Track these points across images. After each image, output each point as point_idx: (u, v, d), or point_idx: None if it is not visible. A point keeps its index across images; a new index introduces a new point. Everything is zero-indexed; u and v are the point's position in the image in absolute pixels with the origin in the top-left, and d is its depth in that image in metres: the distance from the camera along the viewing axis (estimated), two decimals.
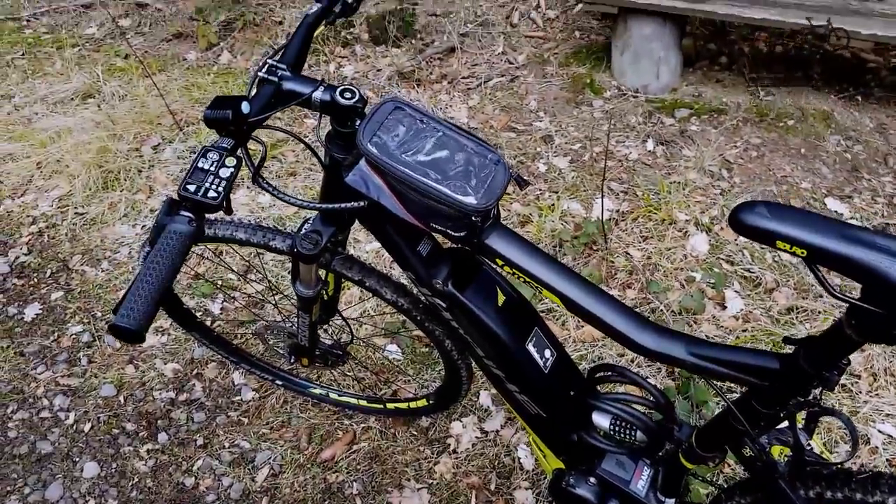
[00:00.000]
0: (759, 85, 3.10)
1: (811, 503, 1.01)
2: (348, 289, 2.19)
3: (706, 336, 2.01)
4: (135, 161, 2.89)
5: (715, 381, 0.97)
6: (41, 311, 2.34)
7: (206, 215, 0.92)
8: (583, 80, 3.23)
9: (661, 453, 1.20)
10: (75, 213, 2.70)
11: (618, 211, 2.50)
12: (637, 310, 2.12)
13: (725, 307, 2.10)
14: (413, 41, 3.59)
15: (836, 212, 2.53)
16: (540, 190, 2.67)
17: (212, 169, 0.89)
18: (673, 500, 1.21)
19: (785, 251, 0.74)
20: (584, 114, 3.08)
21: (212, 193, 0.87)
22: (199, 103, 3.22)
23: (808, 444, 0.98)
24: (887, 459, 1.77)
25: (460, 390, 1.64)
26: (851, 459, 1.48)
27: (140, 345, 2.14)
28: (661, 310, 2.09)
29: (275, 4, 3.86)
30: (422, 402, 1.78)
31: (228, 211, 0.93)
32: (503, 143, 2.89)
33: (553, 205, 2.55)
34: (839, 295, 0.75)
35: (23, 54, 3.71)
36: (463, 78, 3.38)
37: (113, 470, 1.88)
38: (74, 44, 3.75)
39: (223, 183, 0.88)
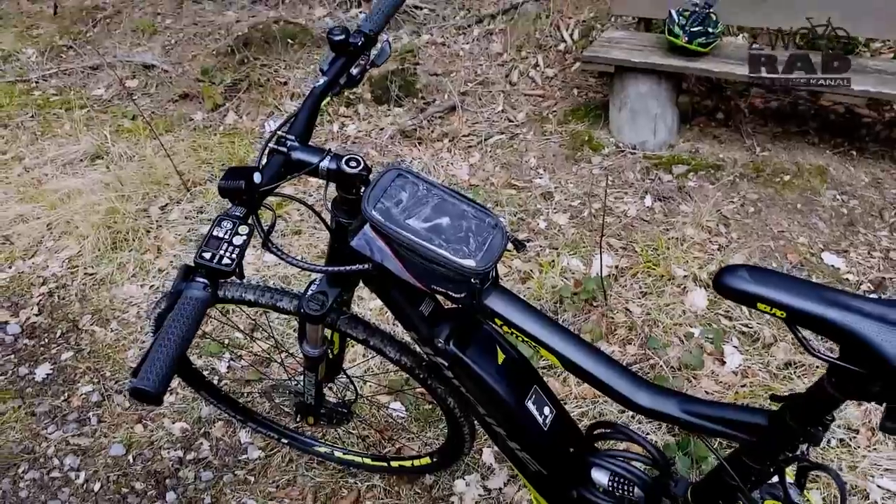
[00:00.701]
0: (756, 141, 3.19)
1: None
2: (352, 347, 2.23)
3: (706, 392, 2.03)
4: (143, 221, 2.97)
5: (707, 438, 1.00)
6: (51, 371, 2.38)
7: (221, 280, 0.97)
8: (581, 137, 3.33)
9: None
10: (85, 274, 2.77)
11: (617, 267, 2.55)
12: (637, 366, 2.18)
13: (724, 362, 2.12)
14: (415, 100, 3.72)
15: (832, 266, 2.57)
16: (540, 247, 2.73)
17: (226, 237, 0.95)
18: None
19: (766, 312, 0.78)
20: (583, 170, 3.16)
21: (226, 260, 0.93)
22: (206, 164, 3.33)
23: (804, 499, 1.01)
24: None
25: (463, 448, 1.66)
26: None
27: (158, 406, 2.17)
28: (661, 366, 2.12)
29: (279, 66, 4.01)
30: (425, 460, 1.79)
31: (241, 276, 0.99)
32: (504, 201, 2.97)
33: (553, 261, 2.60)
34: (818, 355, 0.79)
35: (32, 116, 3.85)
36: (464, 136, 3.48)
37: None
38: (83, 105, 3.88)
39: (237, 250, 0.94)
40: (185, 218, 3.02)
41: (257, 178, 1.01)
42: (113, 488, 1.98)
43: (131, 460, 2.05)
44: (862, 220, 2.77)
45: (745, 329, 2.25)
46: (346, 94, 3.74)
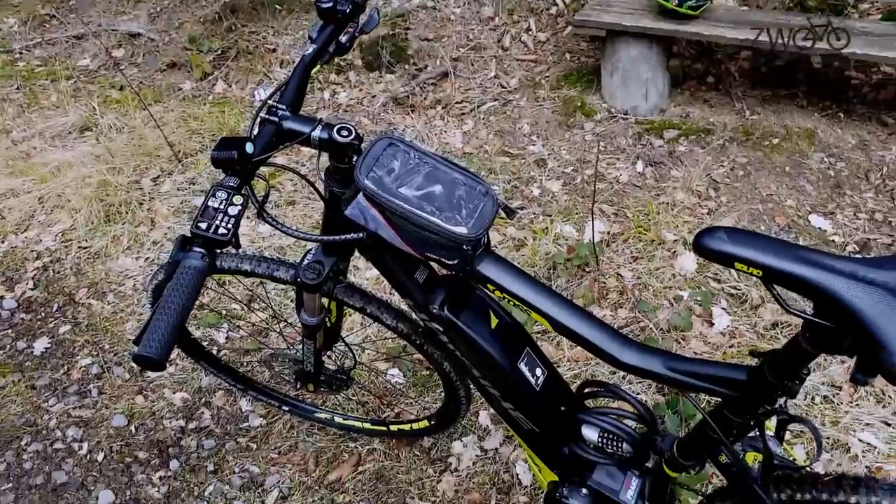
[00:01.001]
0: (746, 104, 3.20)
1: None
2: (350, 315, 2.26)
3: (694, 352, 2.08)
4: (135, 194, 2.97)
5: (691, 394, 1.04)
6: (50, 345, 2.41)
7: (217, 250, 0.99)
8: (574, 103, 3.33)
9: (646, 463, 1.26)
10: (79, 248, 2.78)
11: (609, 233, 2.58)
12: (627, 328, 2.22)
13: (713, 324, 2.17)
14: (406, 66, 3.70)
15: (819, 228, 2.60)
16: (534, 214, 2.75)
17: (221, 207, 0.97)
18: None
19: (743, 272, 0.81)
20: (576, 136, 3.17)
21: (222, 230, 0.95)
22: (197, 134, 3.31)
23: (783, 450, 1.05)
24: (866, 467, 1.83)
25: (459, 411, 1.71)
26: (818, 461, 1.54)
27: (161, 372, 2.20)
28: (651, 328, 2.16)
29: (267, 33, 3.97)
30: (423, 424, 1.84)
31: (237, 245, 1.01)
32: (498, 169, 2.98)
33: (547, 228, 2.63)
34: (794, 311, 0.83)
35: (17, 88, 3.80)
36: (457, 103, 3.47)
37: (128, 497, 1.94)
38: (69, 76, 3.83)
39: (232, 220, 0.96)
40: (178, 189, 3.02)
41: (249, 148, 1.02)
42: (116, 458, 2.03)
43: (133, 430, 2.10)
44: (848, 183, 2.80)
45: (733, 291, 2.29)
46: (336, 60, 3.71)
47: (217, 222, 0.96)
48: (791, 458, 1.07)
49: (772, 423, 1.06)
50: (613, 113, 3.23)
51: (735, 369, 0.98)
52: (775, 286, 0.82)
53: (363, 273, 2.52)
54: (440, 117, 3.38)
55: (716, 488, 1.67)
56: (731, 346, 2.11)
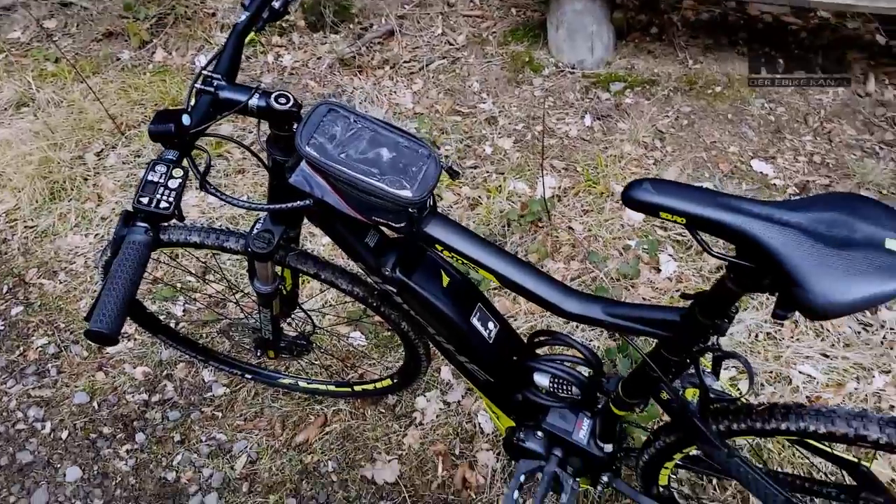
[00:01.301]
0: (689, 54, 3.25)
1: (722, 435, 1.16)
2: (309, 282, 2.28)
3: (643, 298, 2.17)
4: (79, 169, 2.90)
5: (631, 336, 1.10)
6: (3, 327, 2.37)
7: (161, 223, 1.00)
8: (522, 59, 3.33)
9: (596, 404, 1.33)
10: (25, 227, 2.71)
11: (560, 187, 2.63)
12: (579, 279, 2.29)
13: (660, 270, 2.26)
14: (351, 26, 3.63)
15: (761, 172, 2.70)
16: (487, 172, 2.78)
17: (161, 181, 0.98)
18: (611, 446, 1.35)
19: (668, 220, 0.86)
20: (525, 93, 3.19)
21: (163, 204, 0.96)
22: (139, 105, 3.22)
23: (719, 384, 1.13)
24: (807, 397, 1.95)
25: (420, 368, 1.76)
26: (751, 392, 1.64)
27: (114, 346, 2.19)
28: (602, 278, 2.24)
29: None
30: (387, 382, 1.89)
31: (181, 218, 1.02)
32: (449, 128, 2.99)
33: (500, 186, 2.67)
34: (716, 254, 0.88)
35: None
36: (405, 62, 3.44)
37: (95, 472, 1.95)
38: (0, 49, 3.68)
39: (173, 193, 0.97)
40: (123, 163, 2.95)
41: (186, 120, 1.02)
42: (81, 434, 2.03)
43: (96, 407, 2.10)
44: (788, 127, 2.89)
45: (679, 238, 2.38)
46: (278, 23, 3.62)
47: (158, 196, 0.96)
48: (728, 392, 1.14)
49: (709, 360, 1.14)
50: (561, 67, 3.25)
51: (669, 311, 1.05)
52: (699, 232, 0.88)
53: (320, 239, 2.53)
54: (389, 77, 3.35)
55: (661, 424, 1.77)
56: (677, 291, 2.20)
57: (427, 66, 3.38)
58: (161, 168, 0.99)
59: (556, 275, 2.31)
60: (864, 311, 2.19)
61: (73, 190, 2.82)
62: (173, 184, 0.98)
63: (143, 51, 3.63)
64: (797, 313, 0.84)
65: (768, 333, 2.13)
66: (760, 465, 1.71)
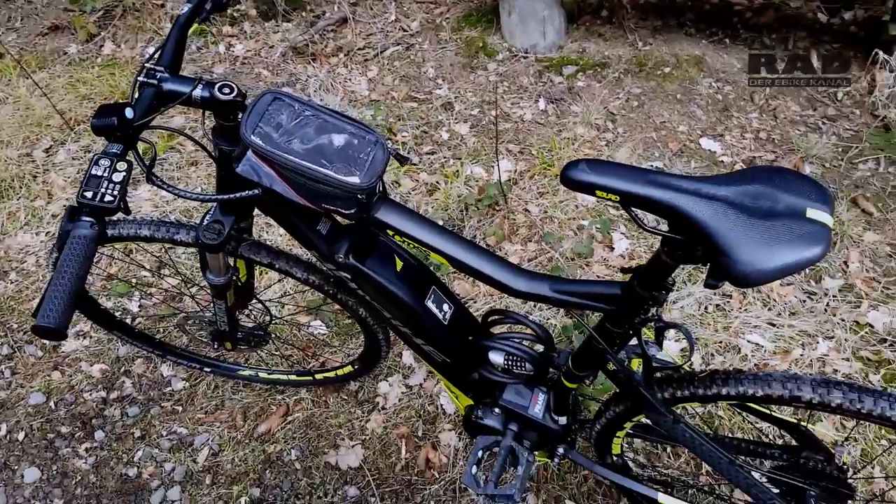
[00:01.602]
0: (638, 36, 3.31)
1: (668, 402, 1.21)
2: (267, 272, 2.27)
3: (597, 276, 2.22)
4: (28, 167, 2.83)
5: (577, 311, 1.14)
6: None
7: (108, 217, 1.00)
8: (476, 44, 3.35)
9: (549, 379, 1.38)
10: None
11: (516, 171, 2.67)
12: (536, 260, 2.34)
13: (613, 248, 2.31)
14: (303, 14, 3.60)
15: (709, 150, 2.78)
16: (444, 158, 2.80)
17: (105, 175, 0.97)
18: (565, 418, 1.40)
19: (604, 199, 0.90)
20: (480, 78, 3.21)
21: (108, 198, 0.96)
22: (87, 99, 3.16)
23: (662, 353, 1.18)
24: (755, 364, 2.03)
25: (380, 353, 1.77)
26: (690, 361, 1.71)
27: (63, 342, 2.16)
28: (557, 257, 2.29)
29: None
30: (348, 369, 1.91)
31: (127, 211, 1.02)
32: (405, 115, 3.00)
33: (458, 171, 2.69)
34: (649, 229, 0.92)
35: None
36: (359, 49, 3.43)
37: (54, 472, 1.93)
38: None
39: (117, 186, 0.97)
40: (73, 159, 2.89)
41: (129, 113, 1.02)
42: (38, 435, 2.00)
43: (53, 406, 2.07)
44: (735, 105, 2.97)
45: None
46: (229, 12, 3.57)
47: (103, 190, 0.96)
48: (671, 360, 1.19)
49: (652, 331, 1.18)
50: (514, 52, 3.28)
51: (610, 285, 1.09)
52: (633, 209, 0.91)
53: (277, 228, 2.52)
54: (343, 65, 3.34)
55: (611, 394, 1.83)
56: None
57: (381, 52, 3.38)
58: (105, 162, 0.99)
59: (513, 256, 2.35)
60: (809, 280, 2.28)
61: (21, 188, 2.75)
62: (117, 177, 0.98)
63: (90, 44, 3.54)
64: (727, 283, 0.88)
65: (717, 305, 2.21)
66: (709, 432, 1.79)
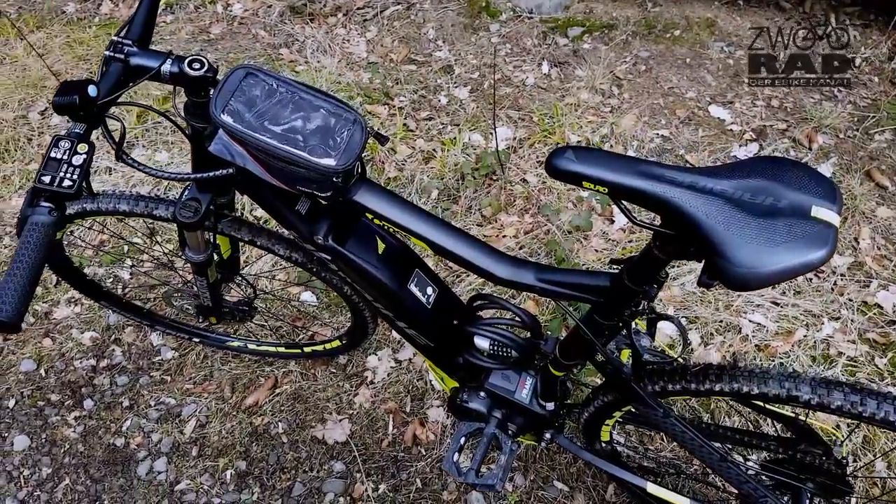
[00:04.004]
0: None
1: (658, 395, 1.16)
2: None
3: (595, 250, 2.16)
4: (23, 129, 2.77)
5: (563, 301, 1.09)
6: None
7: (67, 202, 0.94)
8: (479, 4, 3.22)
9: (535, 365, 1.33)
10: None
11: (515, 138, 2.58)
12: (532, 233, 2.27)
13: (613, 221, 2.24)
14: None
15: (718, 118, 2.68)
16: (442, 124, 2.71)
17: (64, 157, 0.92)
18: (553, 404, 1.36)
19: (591, 190, 0.83)
20: (482, 39, 3.09)
21: (67, 182, 0.90)
22: (84, 61, 3.08)
23: (653, 344, 1.13)
24: (756, 345, 1.98)
25: (367, 330, 1.74)
26: (684, 356, 1.67)
27: (16, 334, 2.13)
28: (554, 231, 2.22)
29: None
30: (336, 343, 1.87)
31: (91, 194, 0.97)
32: (403, 78, 2.90)
33: (455, 138, 2.61)
34: (640, 223, 0.86)
35: None
36: (358, 9, 3.31)
37: (43, 440, 1.93)
38: None
39: (77, 170, 0.91)
40: (68, 121, 2.81)
41: (93, 90, 0.96)
42: (28, 402, 1.99)
43: (44, 374, 2.06)
44: (747, 71, 2.86)
45: None
46: None
47: (62, 174, 0.91)
48: (663, 353, 1.15)
49: (644, 322, 1.13)
50: (518, 12, 3.15)
51: (599, 277, 1.03)
52: (622, 201, 0.85)
53: None
54: (342, 25, 3.23)
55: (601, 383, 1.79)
56: (629, 242, 2.19)
57: (381, 12, 3.26)
58: (65, 144, 0.93)
59: (509, 228, 2.29)
60: None
61: (16, 151, 2.70)
62: (77, 160, 0.92)
63: (88, 3, 3.45)
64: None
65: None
66: (704, 419, 1.76)
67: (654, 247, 0.90)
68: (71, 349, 2.11)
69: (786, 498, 1.25)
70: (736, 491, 1.28)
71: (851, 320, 2.04)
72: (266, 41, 3.14)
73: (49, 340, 2.14)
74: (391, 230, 1.15)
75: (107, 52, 1.04)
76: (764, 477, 1.29)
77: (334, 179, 1.03)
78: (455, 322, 1.34)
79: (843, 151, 2.55)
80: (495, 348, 1.30)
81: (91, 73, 3.03)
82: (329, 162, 1.00)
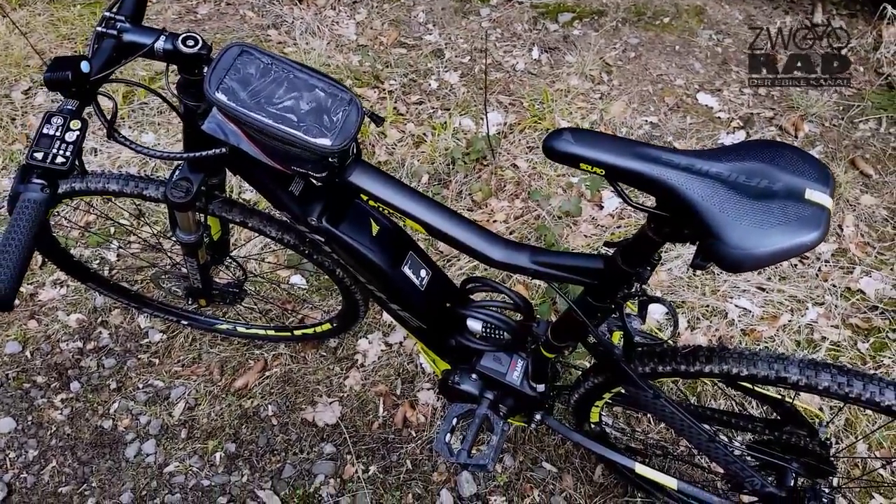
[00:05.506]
0: None
1: (648, 377, 1.18)
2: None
3: (584, 235, 2.17)
4: (6, 109, 2.73)
5: (556, 284, 1.10)
6: None
7: (59, 179, 0.93)
8: None
9: (527, 347, 1.35)
10: None
11: (505, 123, 2.58)
12: (522, 218, 2.28)
13: (602, 207, 2.26)
14: None
15: (706, 105, 2.69)
16: (433, 108, 2.70)
17: (57, 134, 0.91)
18: (543, 386, 1.37)
19: (588, 171, 0.84)
20: (473, 24, 3.08)
21: (60, 159, 0.89)
22: (68, 39, 3.03)
23: (645, 327, 1.14)
24: (741, 329, 2.01)
25: (358, 313, 1.74)
26: (674, 338, 1.69)
27: (8, 312, 2.11)
28: (544, 216, 2.23)
29: None
30: (326, 326, 1.87)
31: (83, 172, 0.95)
32: (393, 61, 2.88)
33: (445, 123, 2.60)
34: (635, 205, 0.86)
35: None
36: None
37: (29, 422, 1.91)
38: None
39: (70, 146, 0.90)
40: (52, 101, 2.78)
41: (85, 66, 0.94)
42: (14, 385, 1.98)
43: (29, 356, 2.04)
44: (735, 59, 2.87)
45: None
46: None
47: (54, 150, 0.90)
48: (653, 335, 1.16)
49: (635, 304, 1.14)
50: None
51: (592, 259, 1.04)
52: (619, 183, 0.86)
53: None
54: (331, 6, 3.19)
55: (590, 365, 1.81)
56: (618, 227, 2.21)
57: None
58: (57, 120, 0.92)
59: (499, 213, 2.29)
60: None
61: None
62: (70, 136, 0.91)
63: None
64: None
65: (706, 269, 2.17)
66: (691, 401, 1.78)
67: (648, 229, 0.91)
68: (57, 331, 2.09)
69: (771, 478, 1.27)
70: (722, 471, 1.30)
71: (835, 306, 2.07)
72: (254, 22, 3.10)
73: (34, 322, 2.12)
74: (385, 212, 1.15)
75: (99, 28, 1.02)
76: (750, 457, 1.31)
77: (330, 160, 1.03)
78: (448, 304, 1.35)
79: (829, 140, 2.58)
80: (488, 330, 1.31)
81: (76, 51, 2.98)
82: (325, 142, 1.00)
